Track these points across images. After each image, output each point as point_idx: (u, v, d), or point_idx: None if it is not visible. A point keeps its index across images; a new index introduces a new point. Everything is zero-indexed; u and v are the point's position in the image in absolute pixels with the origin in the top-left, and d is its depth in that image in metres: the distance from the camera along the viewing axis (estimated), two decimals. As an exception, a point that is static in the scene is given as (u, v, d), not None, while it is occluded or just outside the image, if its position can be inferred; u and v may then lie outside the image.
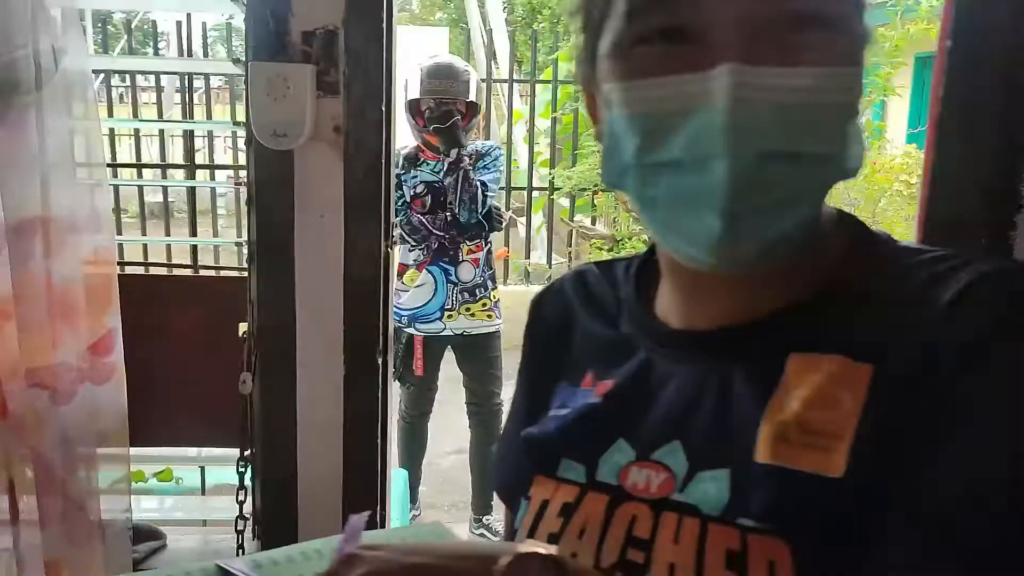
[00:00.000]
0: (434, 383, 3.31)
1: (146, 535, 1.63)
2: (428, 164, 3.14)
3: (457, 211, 3.07)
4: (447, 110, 3.00)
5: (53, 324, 1.27)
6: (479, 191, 3.08)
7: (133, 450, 1.52)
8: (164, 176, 2.29)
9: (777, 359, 0.58)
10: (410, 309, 3.16)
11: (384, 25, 1.39)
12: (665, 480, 0.60)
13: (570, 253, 6.40)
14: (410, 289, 3.15)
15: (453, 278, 3.14)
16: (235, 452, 1.53)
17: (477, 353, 3.23)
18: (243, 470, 1.56)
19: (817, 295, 0.59)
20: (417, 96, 3.06)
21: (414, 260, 3.14)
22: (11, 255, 1.23)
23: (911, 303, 0.55)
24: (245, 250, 1.49)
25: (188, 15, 3.30)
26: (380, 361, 1.51)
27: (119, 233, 2.77)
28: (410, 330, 3.17)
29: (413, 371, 3.19)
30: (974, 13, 0.80)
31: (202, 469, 1.84)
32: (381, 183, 1.44)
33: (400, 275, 3.19)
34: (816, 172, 0.54)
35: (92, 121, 1.30)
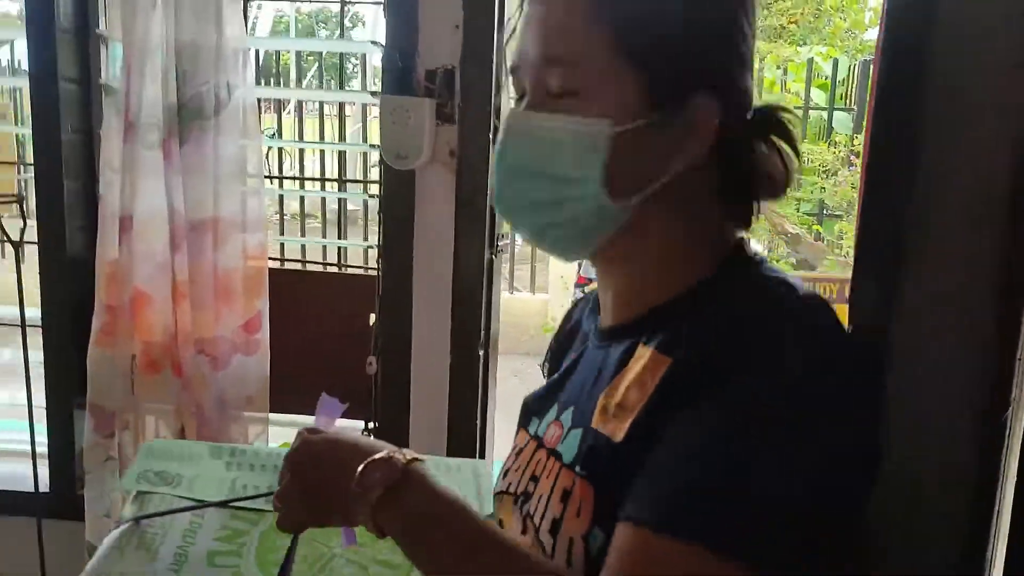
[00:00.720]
0: None
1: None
2: None
3: None
4: None
5: (217, 304, 1.58)
6: None
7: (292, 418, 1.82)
8: (323, 187, 2.64)
9: (632, 349, 0.77)
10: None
11: (493, 66, 1.62)
12: (558, 435, 0.81)
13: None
14: None
15: None
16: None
17: None
18: (366, 440, 1.82)
19: (669, 303, 0.77)
20: None
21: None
22: (189, 248, 1.56)
23: (716, 317, 0.72)
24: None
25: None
26: (480, 353, 1.74)
27: (304, 235, 3.22)
28: None
29: None
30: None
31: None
32: (486, 199, 1.67)
33: (582, 287, 3.29)
34: (557, 186, 0.75)
35: (255, 140, 1.60)
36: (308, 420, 1.93)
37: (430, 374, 1.74)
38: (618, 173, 0.73)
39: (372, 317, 1.79)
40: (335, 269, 2.07)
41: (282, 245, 2.00)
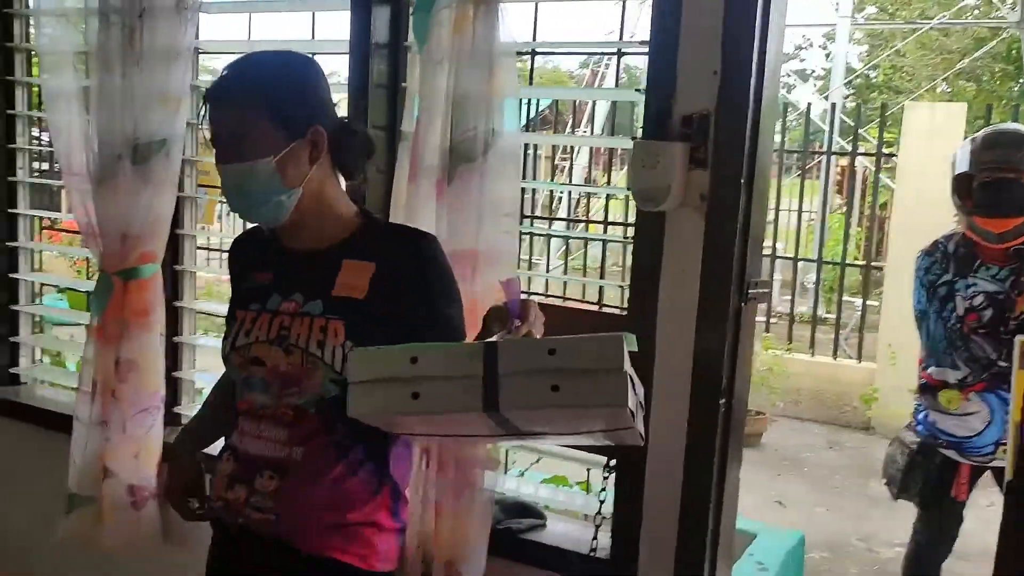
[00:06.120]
0: (963, 510, 2.77)
1: (532, 513, 2.02)
2: (988, 269, 2.53)
3: None
4: (1004, 181, 2.43)
5: (470, 328, 1.72)
6: None
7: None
8: (587, 228, 2.78)
9: (338, 260, 1.52)
10: (955, 437, 2.61)
11: (748, 111, 1.61)
12: (295, 305, 1.51)
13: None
14: (949, 412, 2.59)
15: None
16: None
17: None
18: (607, 475, 1.86)
19: (349, 237, 1.54)
20: (966, 169, 2.51)
21: (957, 380, 2.57)
22: (450, 275, 1.72)
23: (387, 239, 1.55)
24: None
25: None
26: (722, 402, 1.70)
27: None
28: (950, 452, 2.63)
29: (941, 495, 2.68)
30: None
31: (588, 471, 2.19)
32: (735, 245, 1.65)
33: (931, 390, 2.62)
34: (257, 197, 1.49)
35: (516, 182, 1.74)
36: (542, 447, 2.02)
37: (669, 417, 1.74)
38: (286, 175, 1.48)
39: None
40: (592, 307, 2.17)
41: (545, 281, 2.12)
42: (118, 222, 2.08)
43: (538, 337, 1.44)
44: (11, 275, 2.71)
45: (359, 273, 1.50)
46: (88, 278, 2.95)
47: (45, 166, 4.26)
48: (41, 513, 2.39)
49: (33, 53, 2.59)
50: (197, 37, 2.17)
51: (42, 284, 2.84)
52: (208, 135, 1.51)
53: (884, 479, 2.79)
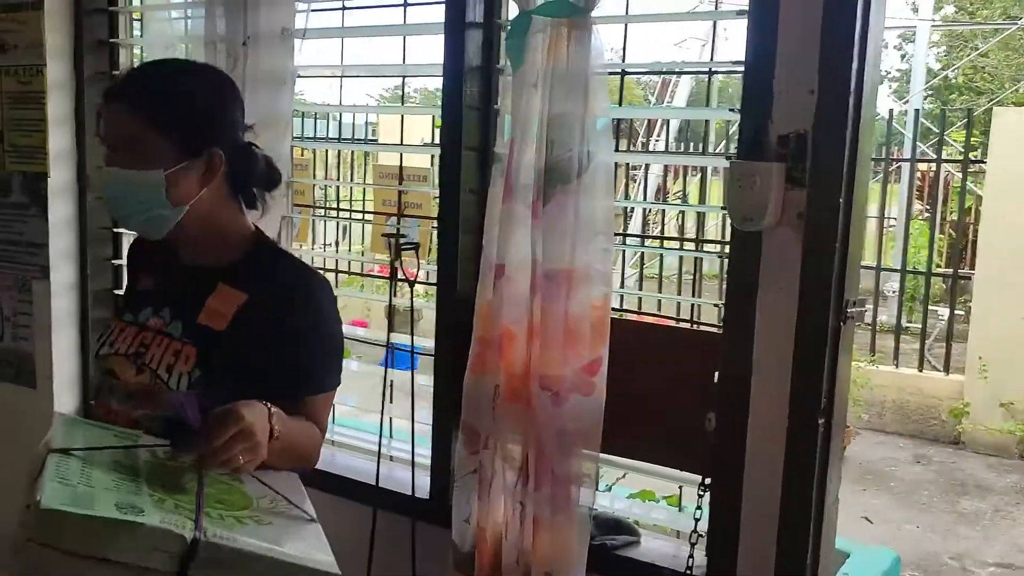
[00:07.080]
0: None
1: (626, 530, 2.03)
2: None
3: None
4: None
5: (564, 346, 1.74)
6: None
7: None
8: (681, 246, 2.77)
9: (215, 283, 1.49)
10: None
11: (847, 130, 1.59)
12: (161, 323, 1.51)
13: None
14: None
15: None
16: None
17: None
18: (702, 494, 1.86)
19: (237, 261, 1.52)
20: None
21: None
22: (543, 294, 1.75)
23: (268, 271, 1.53)
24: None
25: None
26: (821, 421, 1.69)
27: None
28: None
29: None
30: None
31: (680, 488, 2.19)
32: (834, 264, 1.64)
33: None
34: (138, 208, 1.45)
35: (610, 201, 1.75)
36: (635, 464, 2.02)
37: (767, 436, 1.73)
38: (172, 191, 1.43)
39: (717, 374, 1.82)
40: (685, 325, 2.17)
41: (639, 300, 2.13)
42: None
43: (237, 461, 1.29)
44: (115, 291, 2.84)
45: (227, 302, 1.46)
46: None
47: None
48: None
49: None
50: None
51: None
52: (102, 133, 1.45)
53: None
